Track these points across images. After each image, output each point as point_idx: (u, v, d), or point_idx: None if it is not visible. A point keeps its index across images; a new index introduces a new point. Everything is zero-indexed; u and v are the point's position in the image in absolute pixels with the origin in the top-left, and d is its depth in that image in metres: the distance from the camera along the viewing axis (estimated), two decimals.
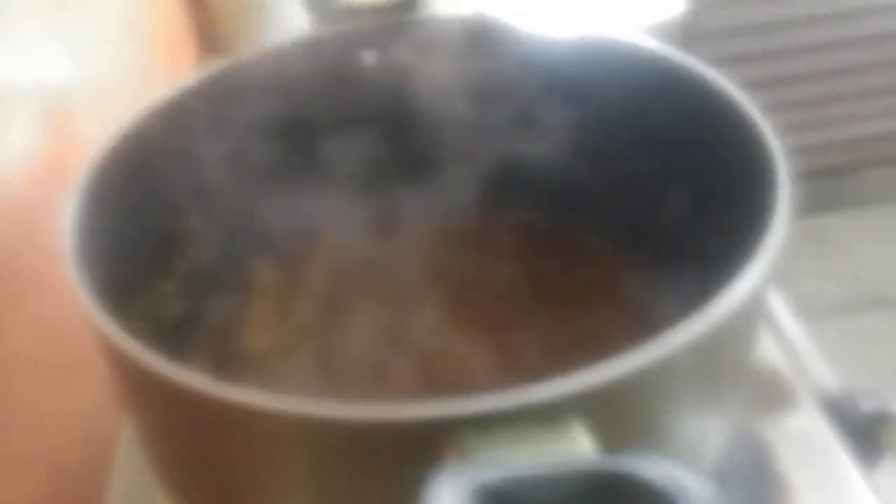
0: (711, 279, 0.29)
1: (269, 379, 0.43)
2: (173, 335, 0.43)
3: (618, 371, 0.25)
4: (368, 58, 0.47)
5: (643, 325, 0.40)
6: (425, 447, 0.25)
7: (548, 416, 0.25)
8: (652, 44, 0.43)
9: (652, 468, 0.23)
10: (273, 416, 0.26)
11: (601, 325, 0.44)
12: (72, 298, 0.31)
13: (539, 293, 0.47)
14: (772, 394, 0.47)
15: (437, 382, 0.43)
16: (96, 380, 0.35)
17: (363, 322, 0.47)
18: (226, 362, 0.45)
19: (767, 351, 0.49)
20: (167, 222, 0.44)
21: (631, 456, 0.24)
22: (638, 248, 0.47)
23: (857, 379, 0.52)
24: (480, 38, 0.46)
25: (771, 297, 0.54)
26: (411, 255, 0.49)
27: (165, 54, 0.71)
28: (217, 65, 0.45)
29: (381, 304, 0.47)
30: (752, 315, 0.32)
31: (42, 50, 0.48)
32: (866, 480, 0.42)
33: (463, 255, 0.50)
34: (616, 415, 0.27)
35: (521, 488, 0.23)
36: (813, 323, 0.54)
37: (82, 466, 0.47)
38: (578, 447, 0.25)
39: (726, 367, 0.32)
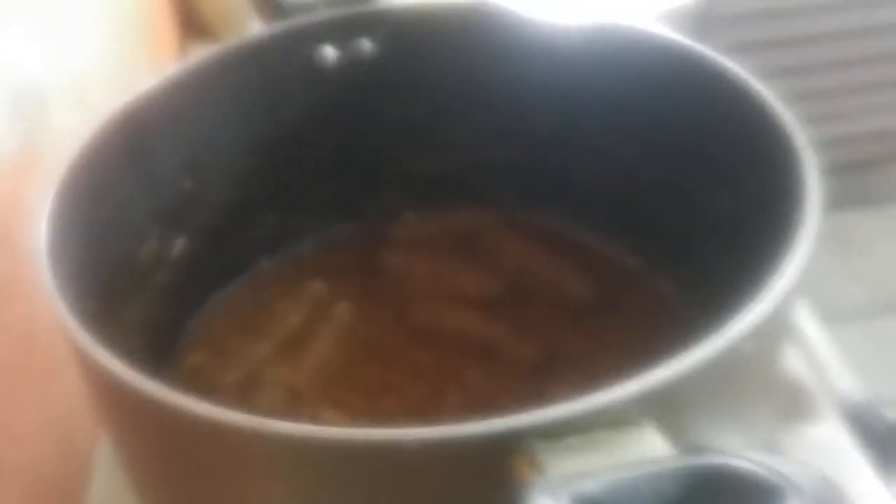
0: (737, 285, 0.29)
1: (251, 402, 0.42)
2: (155, 346, 0.43)
3: (683, 368, 0.25)
4: (329, 54, 0.45)
5: (670, 332, 0.40)
6: (488, 467, 0.24)
7: (620, 420, 0.25)
8: (665, 31, 0.42)
9: (751, 461, 0.23)
10: (285, 440, 0.25)
11: (623, 333, 0.44)
12: (46, 301, 0.31)
13: (553, 301, 0.46)
14: (791, 402, 0.47)
15: (440, 405, 0.42)
16: (74, 387, 0.34)
17: (354, 339, 0.46)
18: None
19: (786, 357, 0.49)
20: (149, 222, 0.43)
21: (718, 452, 0.23)
22: (659, 251, 0.47)
23: (880, 387, 0.52)
24: (479, 26, 0.46)
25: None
26: (407, 261, 0.49)
27: (146, 39, 0.70)
28: (203, 52, 0.44)
29: (374, 318, 0.46)
30: (777, 327, 0.32)
31: (13, 36, 0.48)
32: (891, 493, 0.42)
33: (469, 262, 0.49)
34: (682, 414, 0.26)
35: (621, 494, 0.23)
36: (834, 327, 0.54)
37: (60, 480, 0.47)
38: (655, 448, 0.24)
39: (749, 384, 0.31)
